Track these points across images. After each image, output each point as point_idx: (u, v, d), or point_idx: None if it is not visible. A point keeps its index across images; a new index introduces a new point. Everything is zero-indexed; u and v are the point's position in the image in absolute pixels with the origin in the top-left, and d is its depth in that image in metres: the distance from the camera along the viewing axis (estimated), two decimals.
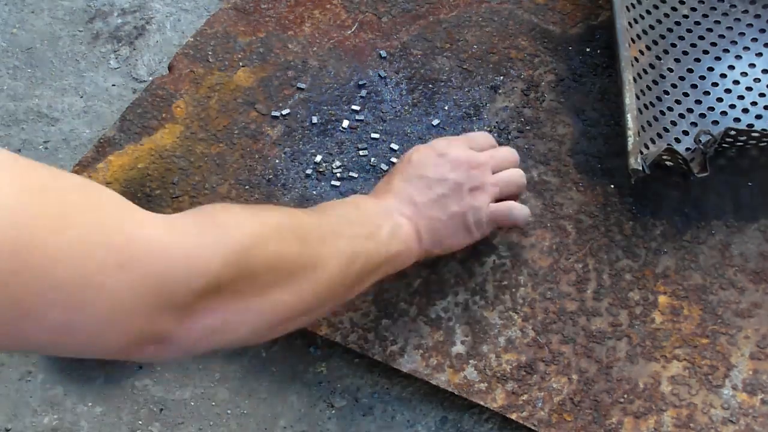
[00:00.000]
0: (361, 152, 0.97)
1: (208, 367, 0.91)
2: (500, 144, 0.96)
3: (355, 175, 0.95)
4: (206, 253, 0.57)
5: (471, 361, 0.84)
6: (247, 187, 0.95)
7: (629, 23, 0.97)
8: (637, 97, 0.91)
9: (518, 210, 0.84)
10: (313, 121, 1.00)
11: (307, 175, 0.96)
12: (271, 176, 0.96)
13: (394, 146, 0.96)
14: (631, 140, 0.87)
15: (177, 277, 0.55)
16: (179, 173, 0.96)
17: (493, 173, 0.83)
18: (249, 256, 0.60)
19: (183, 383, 0.90)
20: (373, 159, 0.96)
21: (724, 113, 0.95)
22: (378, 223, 0.74)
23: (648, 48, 0.99)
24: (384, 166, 0.95)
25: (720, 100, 0.96)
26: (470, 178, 0.80)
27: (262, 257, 0.62)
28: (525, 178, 0.86)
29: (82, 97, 1.12)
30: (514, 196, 0.85)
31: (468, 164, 0.80)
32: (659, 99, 0.96)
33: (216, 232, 0.59)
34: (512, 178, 0.84)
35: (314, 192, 0.94)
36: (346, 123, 0.99)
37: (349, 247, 0.70)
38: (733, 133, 0.85)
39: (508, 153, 0.85)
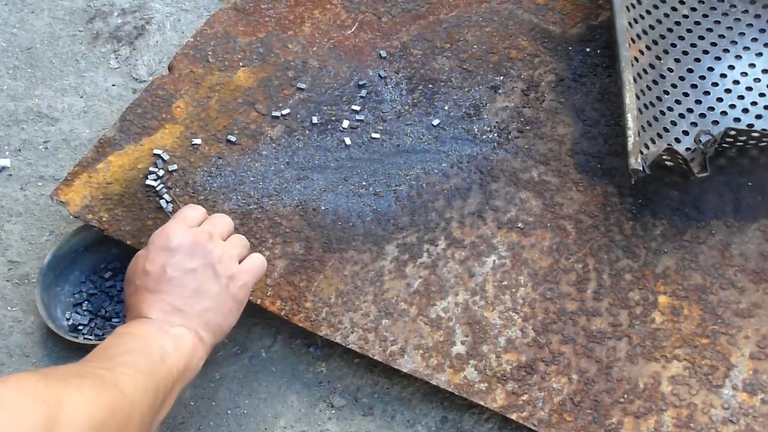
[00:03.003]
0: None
1: (208, 367, 0.91)
2: (500, 144, 0.97)
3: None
4: None
5: (471, 361, 0.84)
6: (247, 187, 0.95)
7: (629, 23, 0.97)
8: (637, 97, 0.91)
9: (260, 257, 0.83)
10: (313, 121, 1.00)
11: (307, 176, 0.96)
12: (270, 176, 0.96)
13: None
14: (631, 140, 0.87)
15: None
16: (179, 173, 0.96)
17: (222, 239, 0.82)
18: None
19: None
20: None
21: (724, 113, 0.95)
22: (162, 345, 0.72)
23: (648, 48, 0.99)
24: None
25: (720, 100, 0.96)
26: (211, 254, 0.77)
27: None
28: (245, 239, 0.84)
29: (82, 97, 1.12)
30: (245, 255, 0.83)
31: (200, 243, 0.78)
32: (659, 99, 0.96)
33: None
34: (241, 240, 0.83)
35: (314, 192, 0.95)
36: (346, 123, 0.99)
37: (151, 382, 0.69)
38: (733, 133, 0.85)
39: (223, 216, 0.84)
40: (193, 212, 0.82)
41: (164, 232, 0.79)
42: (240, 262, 0.81)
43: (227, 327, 0.79)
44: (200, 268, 0.77)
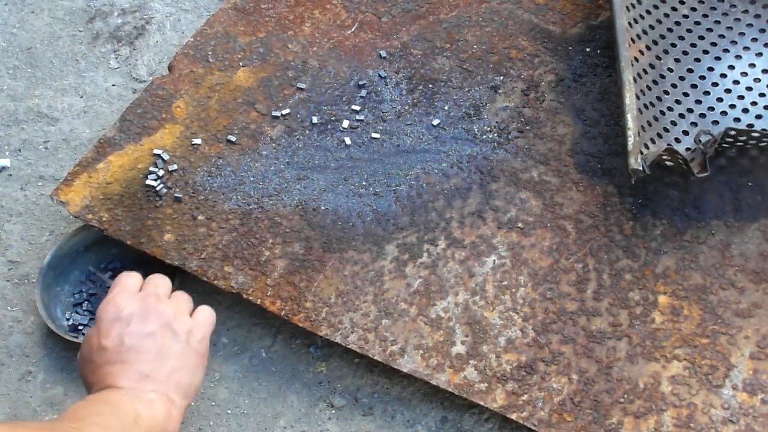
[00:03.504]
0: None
1: (208, 367, 0.91)
2: (500, 144, 0.97)
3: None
4: None
5: (471, 361, 0.84)
6: (247, 187, 0.95)
7: (629, 23, 0.97)
8: (637, 97, 0.91)
9: (208, 308, 0.81)
10: (313, 121, 1.00)
11: (307, 176, 0.96)
12: (270, 176, 0.96)
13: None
14: (631, 140, 0.87)
15: None
16: (179, 173, 0.96)
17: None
18: None
19: None
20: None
21: (724, 113, 0.95)
22: (135, 408, 0.71)
23: (648, 48, 0.99)
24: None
25: (720, 100, 0.96)
26: (164, 313, 0.76)
27: None
28: (186, 294, 0.82)
29: (82, 97, 1.12)
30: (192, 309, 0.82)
31: (151, 307, 0.76)
32: (659, 99, 0.96)
33: None
34: (184, 295, 0.81)
35: (314, 192, 0.95)
36: (346, 123, 0.99)
37: None
38: (733, 133, 0.85)
39: (159, 276, 0.81)
40: (131, 280, 0.79)
41: (111, 304, 0.76)
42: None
43: (197, 384, 0.77)
44: (158, 330, 0.75)
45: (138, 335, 0.74)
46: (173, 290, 0.80)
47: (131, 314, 0.75)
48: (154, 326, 0.75)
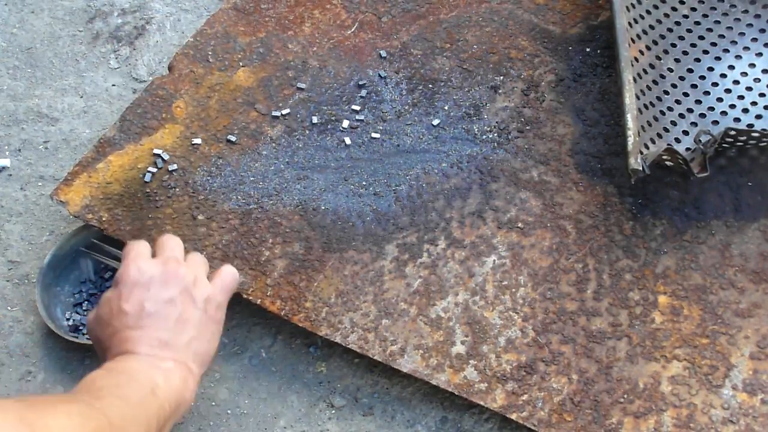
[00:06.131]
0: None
1: (208, 368, 0.91)
2: (500, 144, 0.97)
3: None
4: None
5: (471, 361, 0.84)
6: (247, 187, 0.95)
7: (629, 23, 0.97)
8: (637, 97, 0.91)
9: (232, 270, 0.81)
10: (313, 121, 1.00)
11: (307, 176, 0.96)
12: (270, 176, 0.96)
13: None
14: (631, 140, 0.87)
15: None
16: (179, 173, 0.96)
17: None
18: None
19: None
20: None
21: (724, 113, 0.95)
22: (152, 378, 0.70)
23: (648, 48, 0.99)
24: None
25: (720, 100, 0.96)
26: (185, 279, 0.76)
27: None
28: (202, 255, 0.83)
29: (82, 97, 1.12)
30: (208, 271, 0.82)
31: (171, 271, 0.76)
32: (659, 99, 0.96)
33: None
34: (200, 257, 0.81)
35: (314, 192, 0.95)
36: (346, 123, 0.99)
37: (142, 414, 0.67)
38: (733, 133, 0.85)
39: (172, 238, 0.81)
40: (143, 247, 0.79)
41: (133, 266, 0.76)
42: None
43: (213, 353, 0.77)
44: (178, 296, 0.75)
45: (158, 301, 0.74)
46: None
47: (152, 278, 0.75)
48: (175, 292, 0.75)
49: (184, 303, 0.75)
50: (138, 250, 0.78)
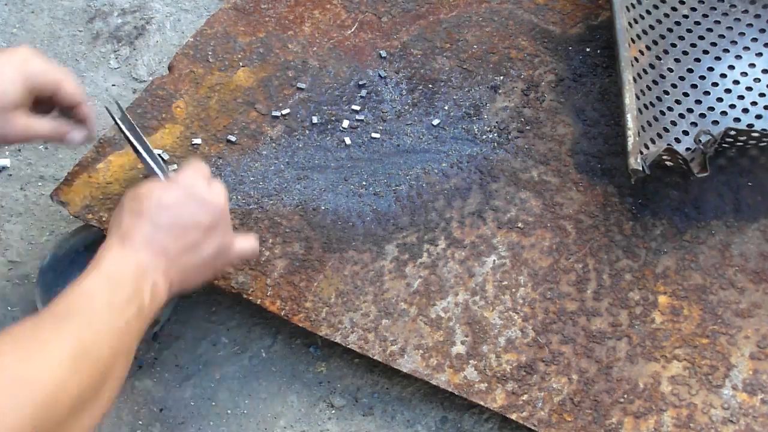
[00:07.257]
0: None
1: (208, 367, 0.91)
2: (500, 144, 0.97)
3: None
4: (10, 420, 0.57)
5: (471, 361, 0.84)
6: (247, 187, 0.95)
7: (629, 23, 0.97)
8: (637, 97, 0.91)
9: (256, 244, 0.83)
10: (313, 121, 1.00)
11: (307, 176, 0.96)
12: (270, 176, 0.96)
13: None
14: (631, 140, 0.87)
15: None
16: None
17: None
18: (55, 408, 0.60)
19: (183, 383, 0.90)
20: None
21: (724, 113, 0.95)
22: (139, 291, 0.71)
23: (648, 48, 0.99)
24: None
25: (720, 100, 0.96)
26: (220, 218, 0.77)
27: (66, 403, 0.61)
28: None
29: None
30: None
31: (224, 214, 0.78)
32: (659, 99, 0.96)
33: (18, 394, 0.58)
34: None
35: (314, 192, 0.95)
36: (346, 123, 0.99)
37: (126, 335, 0.68)
38: (733, 133, 0.85)
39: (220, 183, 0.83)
40: (208, 170, 0.80)
41: (194, 177, 0.77)
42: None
43: (195, 283, 0.78)
44: (206, 228, 0.76)
45: (191, 222, 0.76)
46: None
47: (201, 198, 0.77)
48: (208, 221, 0.76)
49: (208, 238, 0.76)
50: (205, 171, 0.79)
